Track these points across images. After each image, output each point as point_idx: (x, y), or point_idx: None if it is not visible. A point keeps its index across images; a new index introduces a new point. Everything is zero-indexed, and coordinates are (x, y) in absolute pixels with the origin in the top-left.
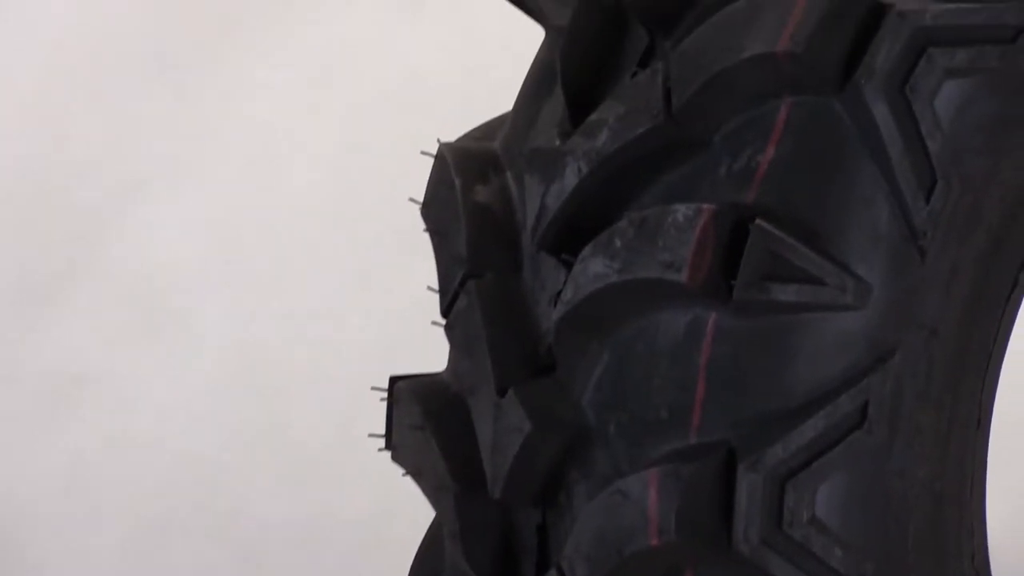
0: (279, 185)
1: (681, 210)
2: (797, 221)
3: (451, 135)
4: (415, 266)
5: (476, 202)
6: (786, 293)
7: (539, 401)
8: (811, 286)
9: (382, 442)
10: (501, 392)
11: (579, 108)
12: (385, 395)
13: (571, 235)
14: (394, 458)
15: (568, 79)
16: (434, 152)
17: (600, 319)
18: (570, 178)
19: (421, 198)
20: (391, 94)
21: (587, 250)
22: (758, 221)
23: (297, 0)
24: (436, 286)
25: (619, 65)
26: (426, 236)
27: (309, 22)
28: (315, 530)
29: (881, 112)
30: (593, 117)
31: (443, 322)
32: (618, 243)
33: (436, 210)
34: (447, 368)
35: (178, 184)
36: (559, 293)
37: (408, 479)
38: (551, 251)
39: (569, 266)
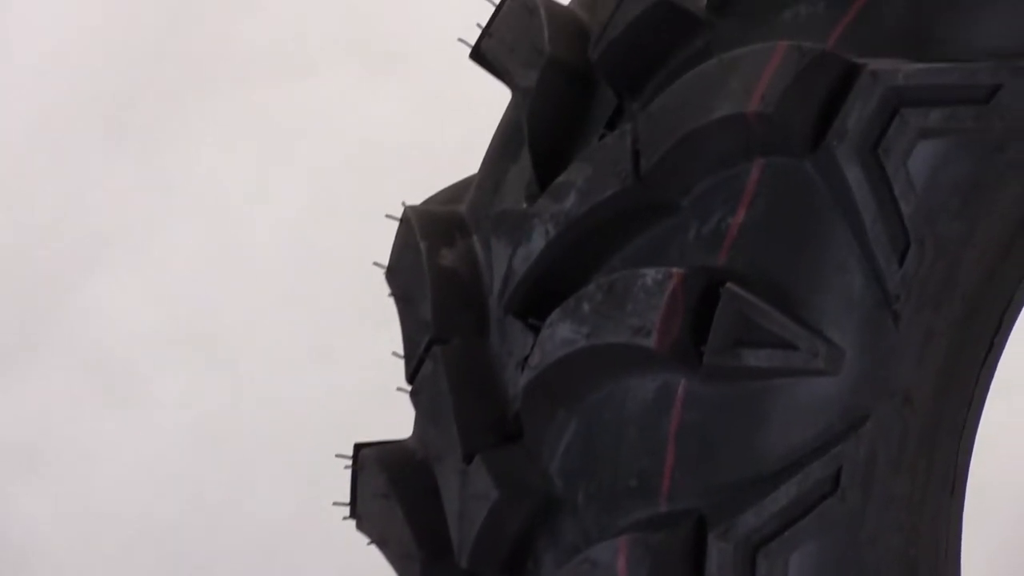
0: (242, 250)
1: (650, 274)
2: (768, 285)
3: (416, 198)
4: (380, 332)
5: (442, 266)
6: (757, 358)
7: (506, 468)
8: (783, 351)
9: (347, 511)
10: (467, 459)
11: (546, 170)
12: (350, 463)
13: (538, 299)
14: (359, 527)
15: (535, 141)
16: (399, 216)
17: (568, 385)
18: (537, 241)
19: (386, 262)
20: (355, 156)
21: (555, 314)
22: (728, 285)
23: (260, 62)
24: (401, 351)
25: (587, 127)
26: (391, 301)
27: (272, 85)
28: None
29: (854, 174)
30: (561, 179)
31: (408, 388)
32: (586, 307)
33: (401, 275)
34: (413, 435)
35: (139, 249)
36: (526, 358)
37: (374, 548)
38: (518, 315)
39: (537, 331)
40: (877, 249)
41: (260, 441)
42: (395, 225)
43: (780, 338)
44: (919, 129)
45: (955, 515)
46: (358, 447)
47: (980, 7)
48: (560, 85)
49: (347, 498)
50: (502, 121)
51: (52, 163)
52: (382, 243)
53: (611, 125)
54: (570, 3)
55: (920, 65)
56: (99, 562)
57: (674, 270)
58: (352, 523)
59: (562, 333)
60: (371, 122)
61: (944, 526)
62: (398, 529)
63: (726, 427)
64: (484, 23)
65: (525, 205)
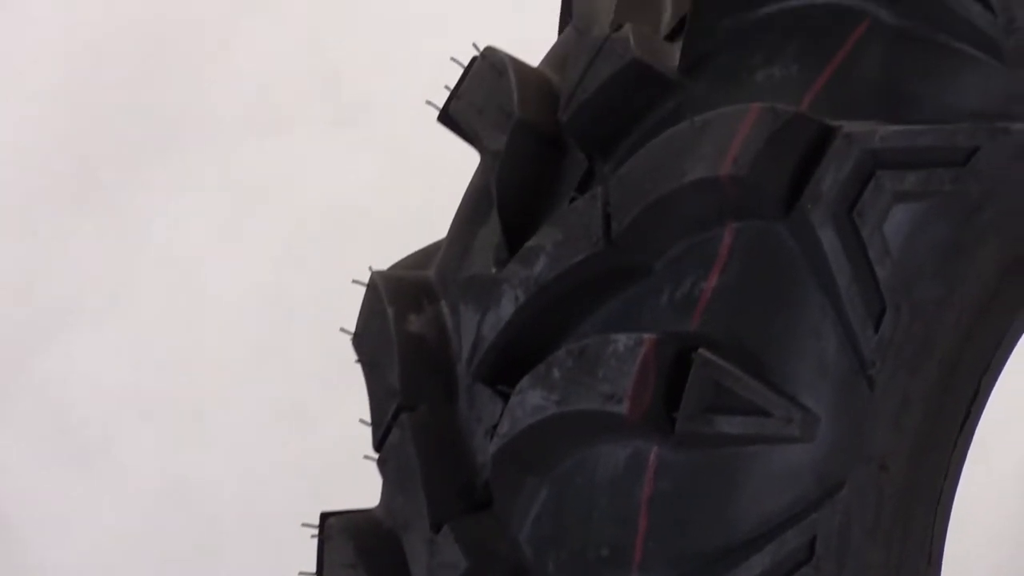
0: (209, 312)
1: (622, 340)
2: (742, 351)
3: (383, 263)
4: (347, 398)
5: (409, 332)
6: (731, 425)
7: (475, 537)
8: (756, 418)
9: None
10: (436, 528)
11: (516, 234)
12: (316, 532)
13: (508, 366)
14: None
15: (504, 204)
16: (366, 281)
17: (538, 453)
18: (507, 307)
19: (353, 328)
20: (322, 220)
21: (524, 381)
22: (701, 351)
23: (227, 122)
24: (369, 419)
25: (557, 190)
26: (358, 367)
27: (240, 142)
28: None
29: (828, 238)
30: (530, 243)
31: (376, 456)
32: (556, 374)
33: (368, 341)
34: (380, 503)
35: (106, 310)
36: (495, 426)
37: None
38: (487, 382)
39: (506, 398)
40: (852, 314)
41: (227, 507)
42: (362, 291)
43: (753, 404)
44: (895, 192)
45: None
46: (324, 516)
47: (956, 67)
48: (530, 148)
49: (313, 568)
50: (471, 184)
51: (18, 223)
52: (350, 307)
53: (582, 188)
54: (540, 64)
55: (896, 127)
56: None
57: (646, 336)
58: None
59: (532, 400)
60: (338, 183)
61: None
62: None
63: (699, 495)
64: (453, 84)
65: (494, 270)
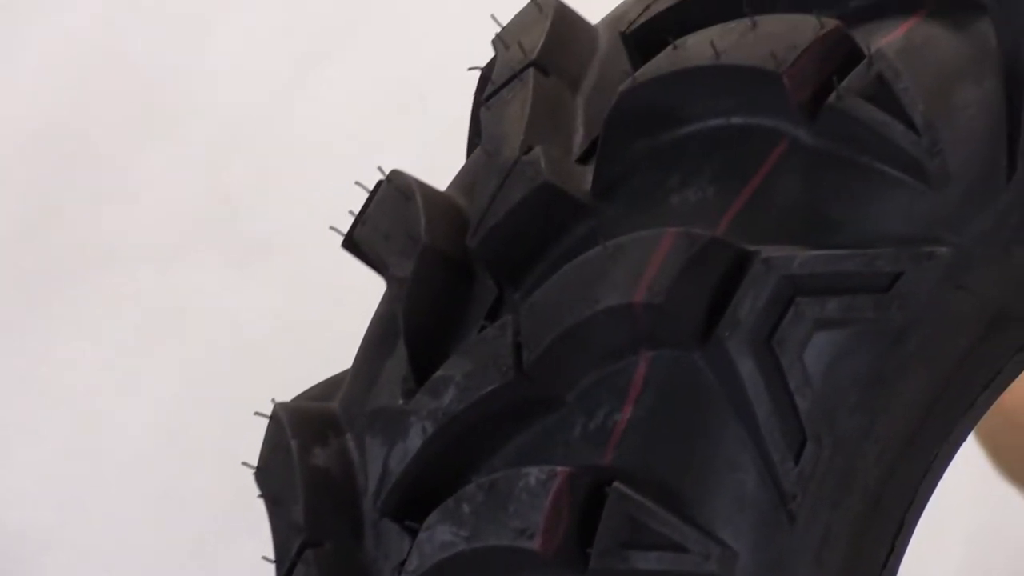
0: (105, 451)
1: (533, 473)
2: (657, 484)
3: (286, 395)
4: (249, 534)
5: (314, 466)
6: (646, 561)
7: None
8: (673, 553)
9: None
10: None
11: (424, 364)
12: None
13: (416, 500)
14: None
15: (411, 333)
16: (268, 413)
17: None
18: (414, 440)
19: (255, 462)
20: (222, 350)
21: (433, 516)
22: (616, 485)
23: (125, 249)
24: (272, 556)
25: (466, 318)
26: (261, 503)
27: (134, 278)
28: None
29: (746, 367)
30: (439, 374)
31: None
32: (466, 509)
33: (271, 475)
34: None
35: (4, 443)
36: (403, 563)
37: None
38: (395, 517)
39: (414, 534)
40: (772, 446)
41: None
42: (264, 423)
43: (670, 540)
44: (815, 320)
45: None
46: None
47: (879, 189)
48: (437, 275)
49: None
50: (376, 313)
51: None
52: (252, 442)
53: (492, 316)
54: (447, 188)
55: (816, 252)
56: None
57: (558, 469)
58: None
59: (441, 536)
60: (239, 312)
61: None
62: None
63: None
64: (357, 209)
65: (401, 401)
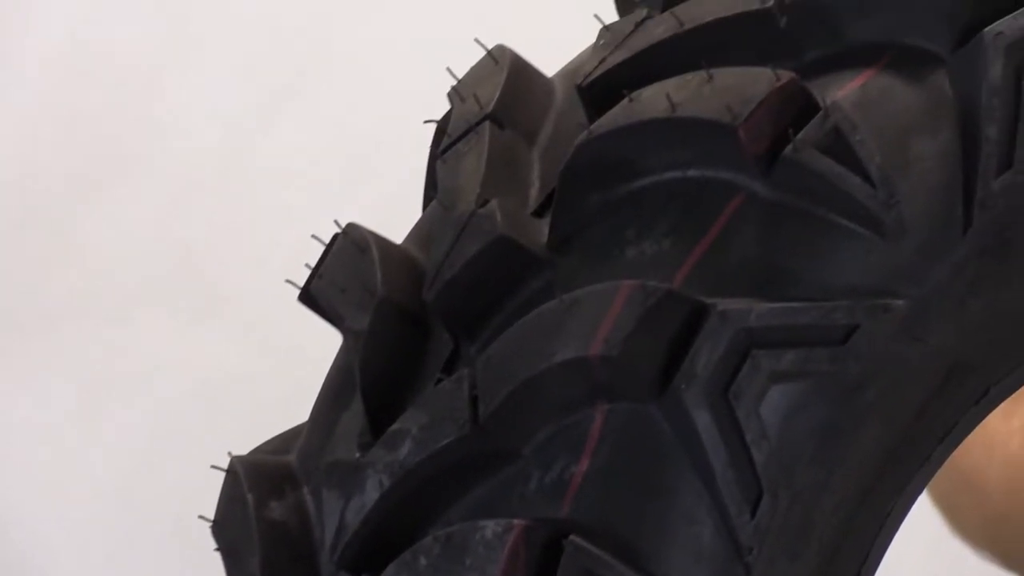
0: (61, 506)
1: (490, 526)
2: (614, 537)
3: (243, 448)
4: None
5: (270, 519)
6: None
7: None
8: None
9: None
10: None
11: (380, 417)
12: None
13: (372, 553)
14: None
15: (368, 386)
16: (225, 466)
17: None
18: (371, 492)
19: (212, 516)
20: (176, 403)
21: (390, 569)
22: (572, 537)
23: (71, 310)
24: None
25: (422, 371)
26: (218, 556)
27: (87, 330)
28: None
29: (703, 420)
30: (395, 427)
31: None
32: (423, 561)
33: (228, 528)
34: None
35: None
36: None
37: None
38: (351, 570)
39: None
40: (728, 499)
41: None
42: (221, 476)
43: None
44: (772, 372)
45: None
46: None
47: (835, 242)
48: (394, 328)
49: None
50: (333, 366)
51: None
52: (208, 496)
53: (448, 369)
54: (404, 241)
55: (772, 304)
56: None
57: (515, 522)
58: None
59: None
60: (194, 368)
61: None
62: None
63: None
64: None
65: (358, 455)
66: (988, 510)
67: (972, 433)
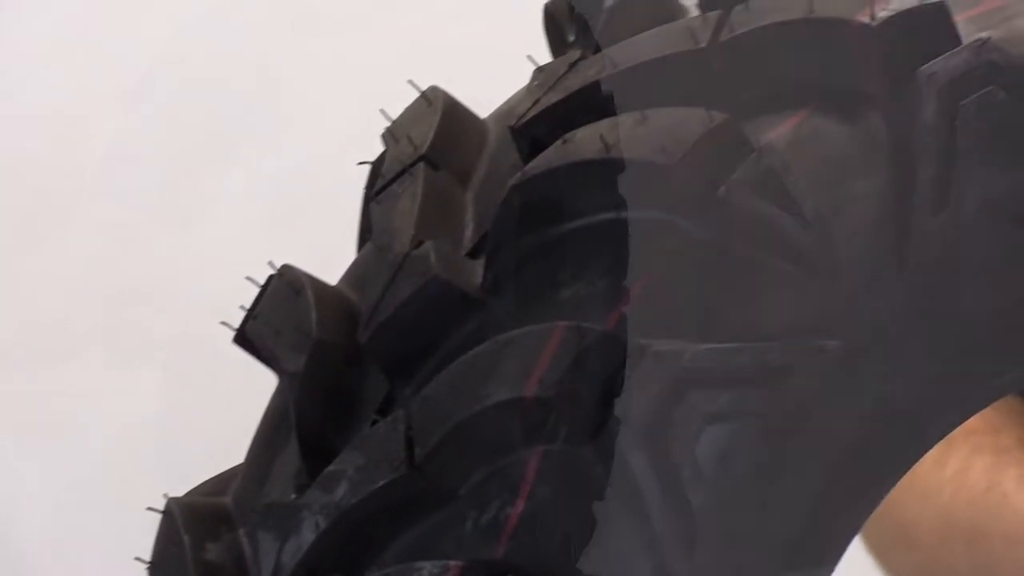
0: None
1: (426, 568)
2: None
3: (178, 490)
4: None
5: (206, 561)
6: None
7: None
8: None
9: None
10: None
11: (316, 459)
12: None
13: None
14: None
15: (303, 428)
16: (161, 508)
17: None
18: (307, 534)
19: (148, 557)
20: (115, 443)
21: None
22: None
23: (9, 350)
24: None
25: (358, 413)
26: None
27: (23, 372)
28: None
29: (638, 461)
30: (331, 468)
31: None
32: None
33: (164, 570)
34: None
35: None
36: None
37: None
38: None
39: None
40: (665, 541)
41: None
42: (157, 519)
43: None
44: (707, 413)
45: None
46: None
47: (769, 282)
48: (329, 369)
49: None
50: (268, 407)
51: None
52: (144, 537)
53: (384, 411)
54: (338, 282)
55: (706, 345)
56: None
57: (451, 563)
58: None
59: None
60: (127, 411)
61: None
62: None
63: None
64: (248, 305)
65: (294, 496)
66: (922, 558)
67: (906, 482)
